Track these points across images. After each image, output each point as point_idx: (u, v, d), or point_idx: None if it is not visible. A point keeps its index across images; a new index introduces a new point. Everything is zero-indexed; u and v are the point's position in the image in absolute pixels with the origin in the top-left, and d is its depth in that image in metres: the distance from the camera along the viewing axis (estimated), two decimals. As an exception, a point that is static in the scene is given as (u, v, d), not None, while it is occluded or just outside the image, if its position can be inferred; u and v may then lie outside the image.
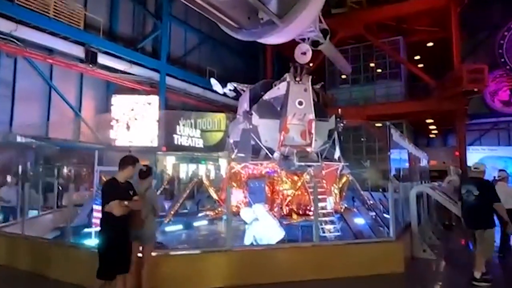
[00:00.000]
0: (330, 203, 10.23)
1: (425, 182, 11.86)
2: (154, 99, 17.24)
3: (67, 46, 13.76)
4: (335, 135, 10.56)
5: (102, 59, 15.07)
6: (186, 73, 19.78)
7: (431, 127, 24.58)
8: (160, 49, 18.10)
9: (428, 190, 5.95)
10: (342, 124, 10.73)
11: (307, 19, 11.16)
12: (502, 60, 24.66)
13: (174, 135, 20.15)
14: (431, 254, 7.46)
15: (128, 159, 4.28)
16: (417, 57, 23.98)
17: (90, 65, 13.83)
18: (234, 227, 6.98)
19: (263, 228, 6.71)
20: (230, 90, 11.46)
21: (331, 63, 23.05)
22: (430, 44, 22.69)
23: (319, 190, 9.13)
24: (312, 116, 9.81)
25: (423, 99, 20.57)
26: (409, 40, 22.75)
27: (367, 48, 23.07)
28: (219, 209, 10.31)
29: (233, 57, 26.72)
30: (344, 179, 11.27)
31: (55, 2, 13.20)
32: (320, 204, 8.74)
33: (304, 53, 9.81)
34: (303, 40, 14.72)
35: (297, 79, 9.97)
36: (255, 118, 9.87)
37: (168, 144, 19.27)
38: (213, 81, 11.57)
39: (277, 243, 6.71)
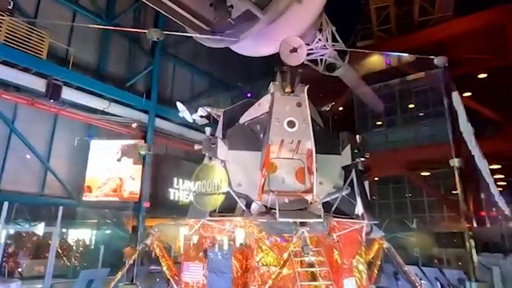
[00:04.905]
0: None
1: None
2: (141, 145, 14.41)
3: (28, 80, 11.55)
4: (353, 176, 6.69)
5: (74, 95, 12.72)
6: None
7: (497, 176, 19.32)
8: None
9: None
10: (363, 159, 6.86)
11: (302, 19, 8.12)
12: None
13: (170, 189, 17.02)
14: None
15: None
16: (467, 94, 19.78)
17: (51, 100, 11.49)
18: None
19: None
20: (201, 116, 8.28)
21: (360, 103, 19.61)
22: (483, 75, 18.62)
23: (321, 269, 5.17)
24: (311, 145, 6.14)
25: (485, 138, 15.96)
26: (453, 73, 18.83)
27: (403, 84, 19.38)
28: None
29: (248, 103, 24.15)
30: (375, 247, 7.22)
31: (8, 24, 11.24)
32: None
33: (295, 50, 6.38)
34: (315, 62, 11.70)
35: (286, 89, 6.52)
36: (222, 150, 6.37)
37: (161, 200, 15.96)
38: (179, 106, 8.49)
39: None
